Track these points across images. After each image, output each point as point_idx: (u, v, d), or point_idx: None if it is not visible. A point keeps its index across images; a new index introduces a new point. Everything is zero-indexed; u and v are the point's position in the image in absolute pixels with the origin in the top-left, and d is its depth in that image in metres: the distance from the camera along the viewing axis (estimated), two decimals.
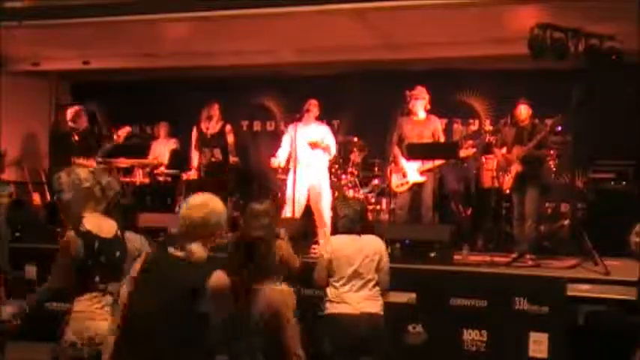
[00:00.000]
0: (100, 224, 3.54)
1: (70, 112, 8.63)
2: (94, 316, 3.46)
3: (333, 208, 7.54)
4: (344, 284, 4.75)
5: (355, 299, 4.72)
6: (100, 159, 8.31)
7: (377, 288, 4.82)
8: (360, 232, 4.89)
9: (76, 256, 3.41)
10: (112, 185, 3.69)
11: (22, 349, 5.26)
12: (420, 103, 7.53)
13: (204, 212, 3.22)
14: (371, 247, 4.85)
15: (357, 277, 4.74)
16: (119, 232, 3.64)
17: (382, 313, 4.83)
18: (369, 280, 4.77)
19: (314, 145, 7.75)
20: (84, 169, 3.71)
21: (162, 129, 9.53)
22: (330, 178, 8.50)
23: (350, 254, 4.78)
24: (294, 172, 7.64)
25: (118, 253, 3.58)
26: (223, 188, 8.33)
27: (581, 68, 6.60)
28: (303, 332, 3.82)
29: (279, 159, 7.97)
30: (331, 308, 4.74)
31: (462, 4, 6.85)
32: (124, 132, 8.54)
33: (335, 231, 5.27)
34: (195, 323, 3.02)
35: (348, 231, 4.89)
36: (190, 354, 3.02)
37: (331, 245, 4.90)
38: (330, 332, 4.72)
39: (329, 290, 4.80)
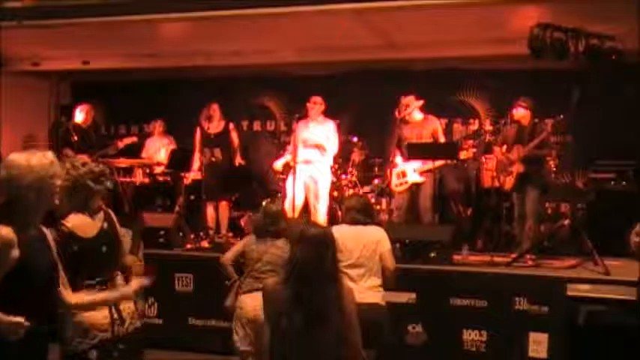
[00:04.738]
0: (81, 223, 3.56)
1: (79, 110, 8.89)
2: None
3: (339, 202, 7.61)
4: (345, 273, 4.74)
5: (355, 289, 4.72)
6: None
7: (379, 279, 4.83)
8: (363, 224, 4.92)
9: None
10: (88, 176, 3.64)
11: None
12: (413, 111, 7.55)
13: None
14: (370, 236, 4.88)
15: (357, 267, 4.77)
16: (105, 225, 3.64)
17: (384, 303, 4.83)
18: (370, 270, 4.80)
19: (305, 143, 7.77)
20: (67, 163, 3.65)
21: (158, 127, 9.51)
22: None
23: (350, 244, 4.80)
24: (294, 171, 7.66)
25: (104, 248, 3.60)
26: (223, 188, 8.38)
27: (581, 68, 6.59)
28: None
29: (284, 160, 8.01)
30: None
31: (462, 4, 6.84)
32: (128, 141, 8.69)
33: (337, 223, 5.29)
34: None
35: (353, 222, 4.94)
36: None
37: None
38: None
39: None
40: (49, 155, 3.01)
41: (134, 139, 9.15)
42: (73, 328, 3.50)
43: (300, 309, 3.18)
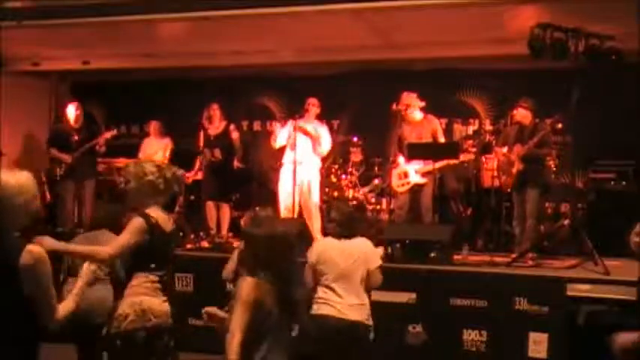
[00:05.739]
0: (161, 217, 3.74)
1: (68, 108, 8.76)
2: (148, 292, 3.67)
3: (325, 211, 7.59)
4: (330, 287, 4.64)
5: (340, 304, 4.60)
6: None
7: (365, 295, 4.68)
8: (349, 236, 4.76)
9: (142, 242, 3.61)
10: (176, 179, 3.89)
11: None
12: (413, 109, 7.53)
13: None
14: (357, 249, 4.72)
15: (343, 280, 4.62)
16: (174, 226, 3.87)
17: (369, 322, 4.65)
18: (357, 284, 4.65)
19: (304, 132, 7.72)
20: (150, 162, 3.93)
21: (153, 127, 9.40)
22: (330, 178, 8.50)
23: (336, 257, 4.68)
24: (294, 171, 7.65)
25: (172, 245, 3.88)
26: (223, 189, 8.37)
27: (581, 68, 6.60)
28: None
29: (278, 141, 7.99)
30: (317, 309, 4.64)
31: (462, 4, 6.85)
32: (108, 135, 8.57)
33: (324, 234, 5.24)
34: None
35: (337, 235, 4.80)
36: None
37: (317, 249, 4.82)
38: (314, 332, 4.59)
39: (318, 289, 4.70)
40: (28, 175, 2.94)
41: (114, 132, 8.91)
42: (132, 305, 3.63)
43: (285, 307, 3.20)
